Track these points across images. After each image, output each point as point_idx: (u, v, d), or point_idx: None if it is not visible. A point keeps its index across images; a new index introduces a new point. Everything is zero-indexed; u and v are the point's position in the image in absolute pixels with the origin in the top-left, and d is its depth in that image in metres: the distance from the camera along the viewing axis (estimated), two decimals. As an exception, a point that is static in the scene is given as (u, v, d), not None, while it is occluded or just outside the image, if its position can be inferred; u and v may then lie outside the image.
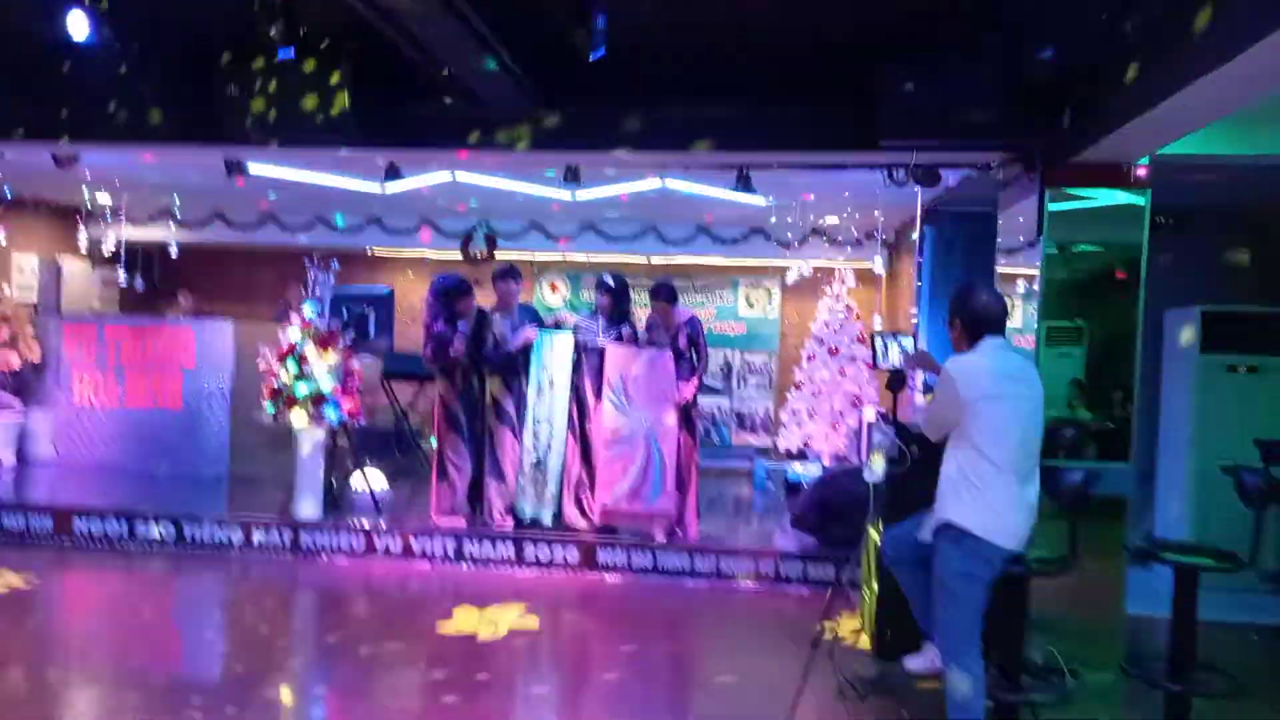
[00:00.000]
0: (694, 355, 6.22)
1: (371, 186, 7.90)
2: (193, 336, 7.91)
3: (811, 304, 9.60)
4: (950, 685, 3.24)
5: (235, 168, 6.14)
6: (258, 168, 6.58)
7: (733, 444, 9.98)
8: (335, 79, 4.65)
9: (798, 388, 8.49)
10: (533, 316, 6.33)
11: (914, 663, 3.64)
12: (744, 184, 5.81)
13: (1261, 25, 3.04)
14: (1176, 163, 4.62)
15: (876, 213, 8.16)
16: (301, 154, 5.55)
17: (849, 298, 8.50)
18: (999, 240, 5.44)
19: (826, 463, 8.20)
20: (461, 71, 4.50)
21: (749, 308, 10.12)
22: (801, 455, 8.36)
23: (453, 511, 6.26)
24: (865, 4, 4.59)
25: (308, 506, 6.31)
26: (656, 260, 9.57)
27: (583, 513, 6.25)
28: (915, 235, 6.18)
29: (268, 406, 6.20)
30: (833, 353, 8.28)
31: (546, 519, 6.20)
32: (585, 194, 7.51)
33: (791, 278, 8.52)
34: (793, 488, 8.14)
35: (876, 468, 3.88)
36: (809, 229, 9.09)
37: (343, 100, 4.74)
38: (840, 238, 9.06)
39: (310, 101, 4.70)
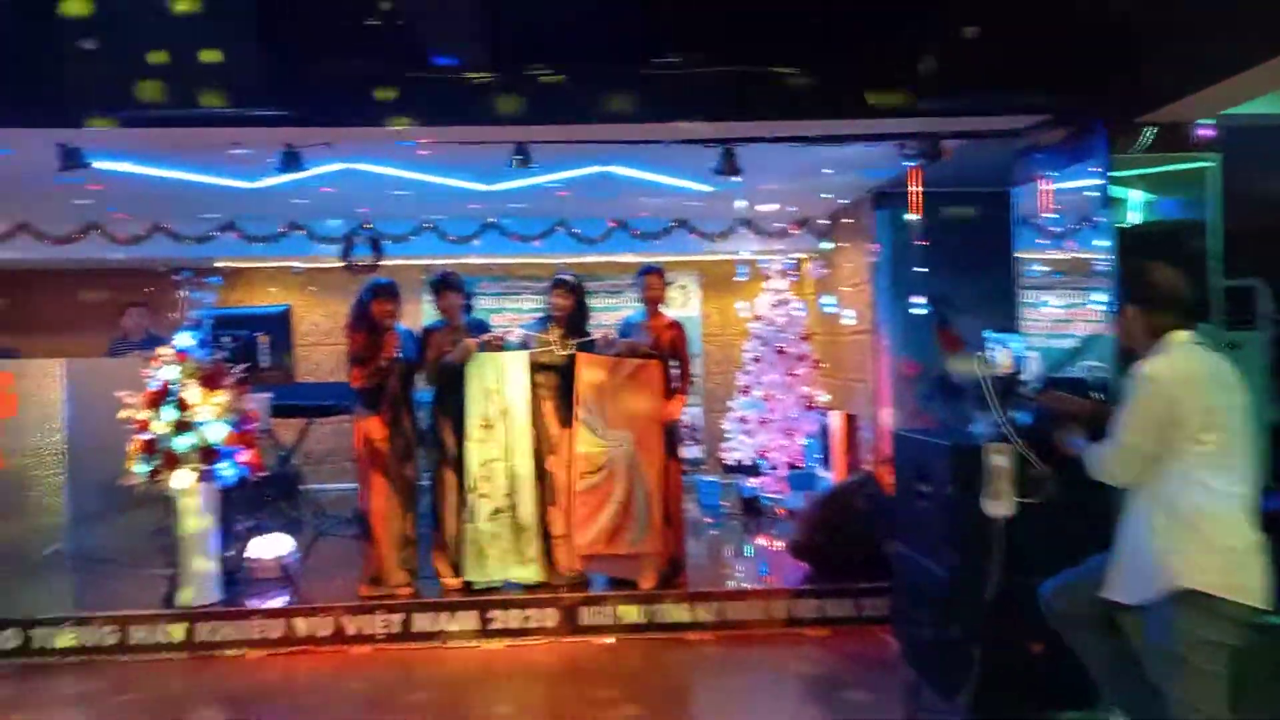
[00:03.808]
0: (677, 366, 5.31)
1: (238, 182, 6.50)
2: (11, 379, 6.21)
3: (735, 302, 8.87)
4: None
5: (73, 159, 4.63)
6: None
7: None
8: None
9: (744, 393, 7.73)
10: (480, 330, 5.20)
11: (1100, 744, 2.92)
12: (728, 165, 4.94)
13: None
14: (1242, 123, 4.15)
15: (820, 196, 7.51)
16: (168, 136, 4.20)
17: (792, 292, 7.82)
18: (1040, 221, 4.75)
19: (781, 473, 7.49)
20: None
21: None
22: (752, 469, 7.59)
23: (385, 577, 5.06)
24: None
25: (201, 590, 4.93)
26: (568, 260, 8.54)
27: (551, 564, 5.22)
28: (910, 218, 5.51)
29: (139, 466, 4.77)
30: (780, 353, 7.58)
31: (530, 579, 5.14)
32: (506, 185, 6.46)
33: (744, 274, 7.72)
34: (749, 505, 7.37)
35: (1005, 499, 3.12)
36: (735, 220, 8.35)
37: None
38: (771, 227, 8.37)
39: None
